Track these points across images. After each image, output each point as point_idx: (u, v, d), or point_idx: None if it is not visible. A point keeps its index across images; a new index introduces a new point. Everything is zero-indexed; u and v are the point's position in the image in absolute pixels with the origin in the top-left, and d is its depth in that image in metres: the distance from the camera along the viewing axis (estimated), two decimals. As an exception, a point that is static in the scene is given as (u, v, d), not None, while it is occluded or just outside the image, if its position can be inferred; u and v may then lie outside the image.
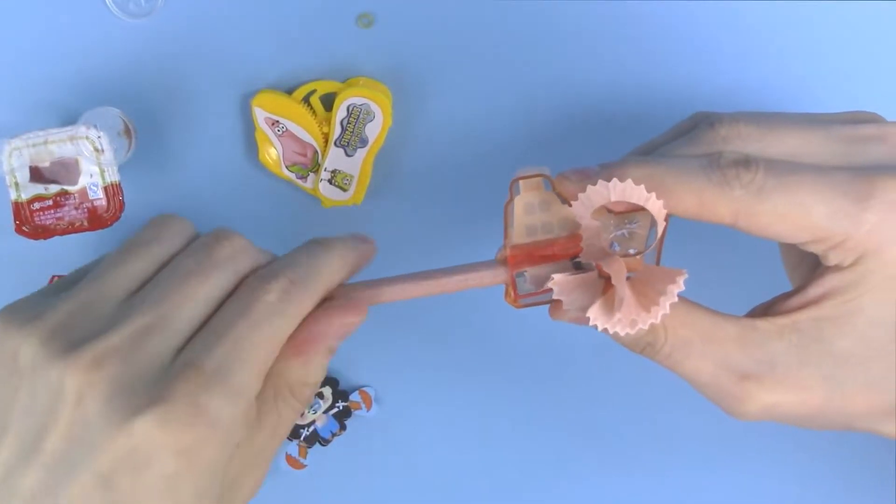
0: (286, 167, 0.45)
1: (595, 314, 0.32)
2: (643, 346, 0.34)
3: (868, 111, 0.36)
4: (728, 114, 0.35)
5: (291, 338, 0.32)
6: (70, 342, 0.29)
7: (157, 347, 0.30)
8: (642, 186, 0.31)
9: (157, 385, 0.29)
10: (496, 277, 0.34)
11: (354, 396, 0.48)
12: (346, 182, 0.45)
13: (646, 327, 0.31)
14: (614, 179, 0.31)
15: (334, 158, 0.45)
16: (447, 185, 0.46)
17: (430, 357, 0.48)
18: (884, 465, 0.48)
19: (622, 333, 0.32)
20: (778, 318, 0.34)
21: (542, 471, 0.49)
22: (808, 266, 0.36)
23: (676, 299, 0.31)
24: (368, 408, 0.48)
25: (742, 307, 0.36)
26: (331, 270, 0.34)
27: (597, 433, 0.48)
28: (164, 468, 0.28)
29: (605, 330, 0.32)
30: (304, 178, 0.45)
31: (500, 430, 0.48)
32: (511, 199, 0.33)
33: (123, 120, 0.45)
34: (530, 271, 0.33)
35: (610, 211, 0.33)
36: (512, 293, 0.34)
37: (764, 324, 0.34)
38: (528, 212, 0.33)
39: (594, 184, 0.31)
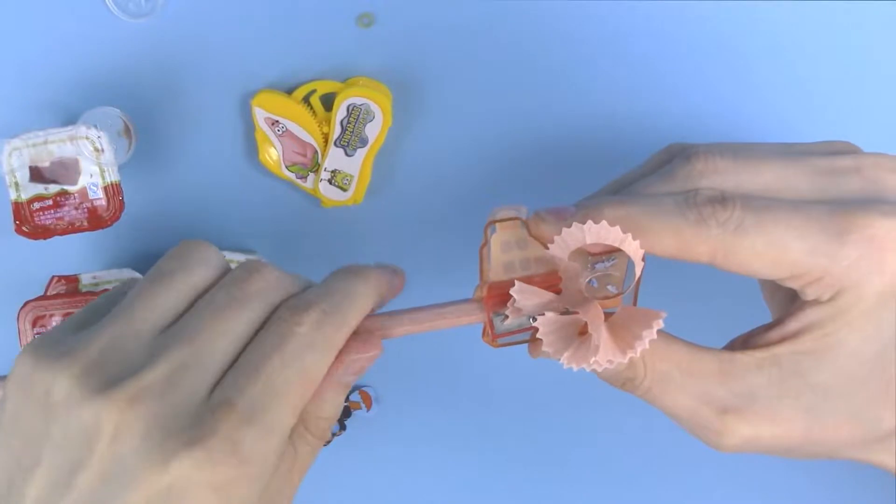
0: (286, 167, 0.45)
1: (569, 359, 0.31)
2: (623, 381, 0.34)
3: (843, 141, 0.36)
4: (704, 146, 0.34)
5: None
6: (104, 380, 0.29)
7: (191, 385, 0.29)
8: (617, 228, 0.31)
9: (194, 423, 0.28)
10: (475, 317, 0.34)
11: (354, 396, 0.48)
12: (345, 182, 0.45)
13: (612, 366, 0.31)
14: (589, 222, 0.31)
15: (334, 158, 0.45)
16: (447, 185, 0.46)
17: (430, 357, 0.48)
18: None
19: (599, 370, 0.32)
20: (757, 351, 0.34)
21: (542, 470, 0.49)
22: (786, 295, 0.36)
23: (647, 346, 0.31)
24: (368, 408, 0.48)
25: (721, 337, 0.36)
26: (364, 300, 0.33)
27: (597, 434, 0.48)
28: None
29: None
30: (304, 177, 0.45)
31: (499, 429, 0.48)
32: (486, 242, 0.33)
33: (123, 120, 0.45)
34: (521, 302, 0.32)
35: (587, 251, 0.33)
36: (490, 333, 0.34)
37: (743, 357, 0.34)
38: (505, 250, 0.33)
39: (569, 226, 0.31)
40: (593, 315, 0.31)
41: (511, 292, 0.32)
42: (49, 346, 0.30)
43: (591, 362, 0.31)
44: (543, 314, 0.32)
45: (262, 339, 0.31)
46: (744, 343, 0.35)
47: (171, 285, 0.31)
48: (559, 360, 0.31)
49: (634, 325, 0.31)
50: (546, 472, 0.49)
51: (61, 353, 0.29)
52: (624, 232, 0.31)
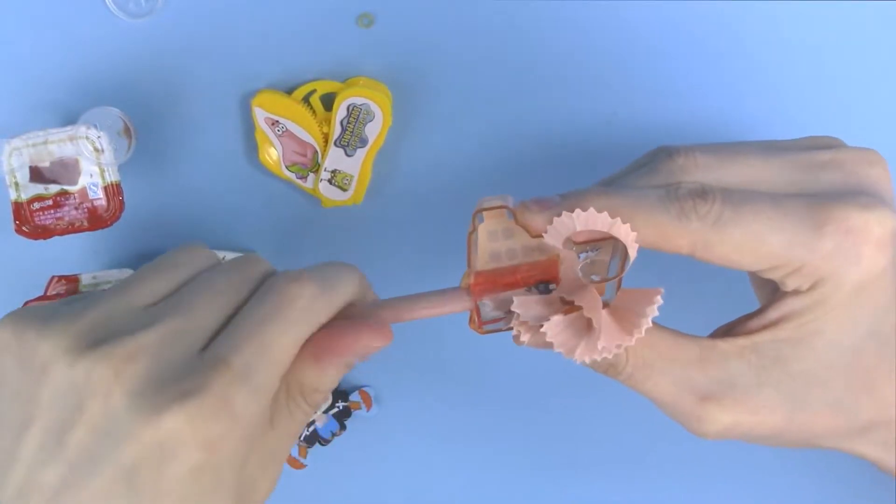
0: (286, 167, 0.45)
1: (580, 354, 0.32)
2: (606, 367, 0.35)
3: (827, 136, 0.36)
4: (686, 145, 0.35)
5: (312, 342, 0.32)
6: (98, 340, 0.29)
7: (185, 345, 0.30)
8: (605, 213, 0.31)
9: (186, 379, 0.29)
10: (462, 305, 0.34)
11: (354, 396, 0.48)
12: (345, 182, 0.45)
13: (621, 351, 0.32)
14: (577, 210, 0.31)
15: (334, 158, 0.45)
16: (446, 185, 0.46)
17: (430, 357, 0.48)
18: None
19: (610, 357, 0.32)
20: (738, 338, 0.34)
21: (542, 470, 0.49)
22: (772, 285, 0.36)
23: (651, 324, 0.32)
24: (368, 408, 0.48)
25: (707, 323, 0.36)
26: (352, 284, 0.34)
27: (598, 425, 0.48)
28: (189, 460, 0.28)
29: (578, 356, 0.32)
30: (304, 178, 0.45)
31: (500, 429, 0.48)
32: (474, 229, 0.33)
33: (123, 120, 0.45)
34: (525, 316, 0.33)
35: (573, 241, 0.33)
36: (476, 320, 0.34)
37: (724, 344, 0.34)
38: (492, 239, 0.33)
39: (557, 214, 0.32)
40: (589, 300, 0.32)
41: (513, 309, 0.33)
42: (41, 312, 0.30)
43: (600, 349, 0.31)
44: (548, 319, 0.32)
45: (260, 300, 0.32)
46: (726, 331, 0.35)
47: (171, 272, 0.33)
48: (572, 358, 0.32)
49: (635, 305, 0.32)
50: (547, 467, 0.49)
51: (54, 317, 0.30)
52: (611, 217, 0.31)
